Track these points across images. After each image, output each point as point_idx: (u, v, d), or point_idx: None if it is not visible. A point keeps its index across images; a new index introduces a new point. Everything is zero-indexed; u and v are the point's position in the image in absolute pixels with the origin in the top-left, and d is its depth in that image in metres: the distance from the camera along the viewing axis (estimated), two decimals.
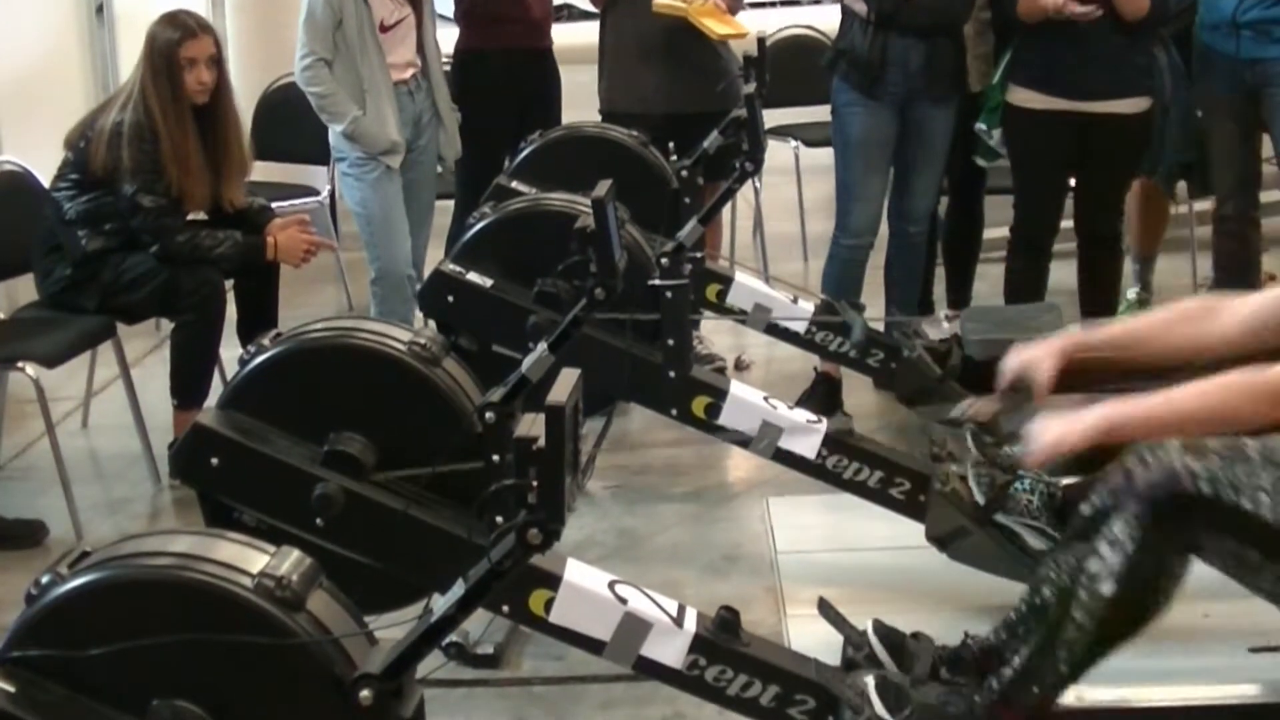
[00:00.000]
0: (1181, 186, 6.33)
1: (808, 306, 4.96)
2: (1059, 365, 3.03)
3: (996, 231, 5.74)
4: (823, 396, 5.27)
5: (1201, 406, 2.74)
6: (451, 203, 6.10)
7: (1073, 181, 5.46)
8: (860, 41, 5.20)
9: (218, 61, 4.96)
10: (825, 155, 5.87)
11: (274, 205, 5.41)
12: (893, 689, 2.89)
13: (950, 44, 5.25)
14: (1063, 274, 5.91)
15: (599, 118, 5.87)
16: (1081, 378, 3.06)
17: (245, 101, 5.48)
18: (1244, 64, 5.30)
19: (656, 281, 4.26)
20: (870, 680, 2.90)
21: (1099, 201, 5.39)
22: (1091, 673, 2.83)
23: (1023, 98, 5.25)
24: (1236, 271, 5.46)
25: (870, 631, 3.09)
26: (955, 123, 5.38)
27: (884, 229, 5.51)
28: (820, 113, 6.23)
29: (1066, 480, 3.53)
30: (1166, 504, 2.69)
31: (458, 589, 2.48)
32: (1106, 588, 2.73)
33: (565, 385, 2.39)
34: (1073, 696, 2.95)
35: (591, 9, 6.18)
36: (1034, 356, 3.06)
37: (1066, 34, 5.07)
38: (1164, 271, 6.40)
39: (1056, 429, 2.78)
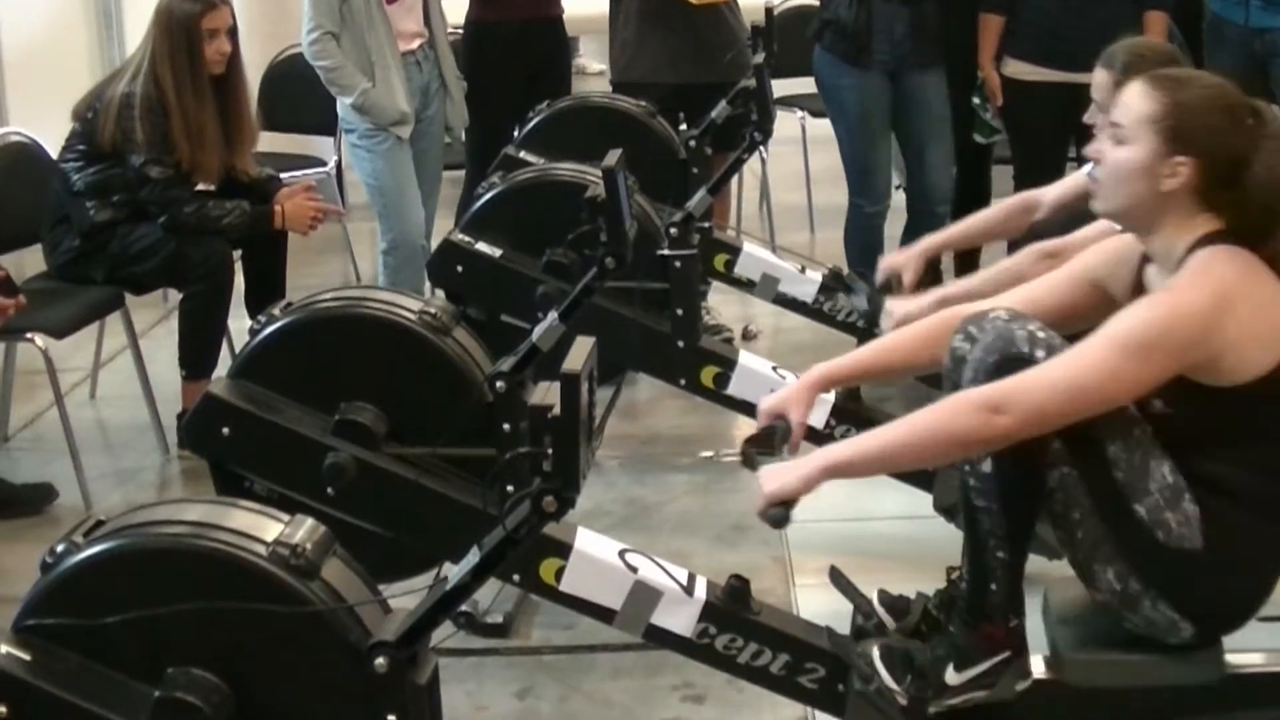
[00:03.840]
0: None
1: (815, 277, 4.96)
2: (810, 403, 3.01)
3: None
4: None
5: (921, 431, 2.71)
6: (461, 173, 6.10)
7: (1072, 152, 5.48)
8: (845, 11, 5.24)
9: (232, 31, 4.97)
10: (831, 126, 5.86)
11: (281, 176, 5.41)
12: (899, 657, 2.90)
13: (935, 9, 5.27)
14: None
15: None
16: None
17: (253, 73, 5.47)
18: (1253, 33, 5.29)
19: (665, 251, 4.27)
20: (875, 650, 2.91)
21: None
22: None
23: (1018, 70, 5.28)
24: None
25: (875, 601, 3.10)
26: (953, 91, 5.40)
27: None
28: None
29: None
30: (1004, 365, 2.72)
31: (472, 557, 2.48)
32: (986, 465, 2.76)
33: (580, 353, 2.39)
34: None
35: None
36: (785, 398, 3.01)
37: (1060, 5, 5.11)
38: None
39: (776, 478, 2.74)
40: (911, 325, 3.17)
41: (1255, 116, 2.77)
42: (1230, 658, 2.87)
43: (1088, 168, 3.07)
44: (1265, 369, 2.69)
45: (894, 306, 3.90)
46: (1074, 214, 3.83)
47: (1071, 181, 4.17)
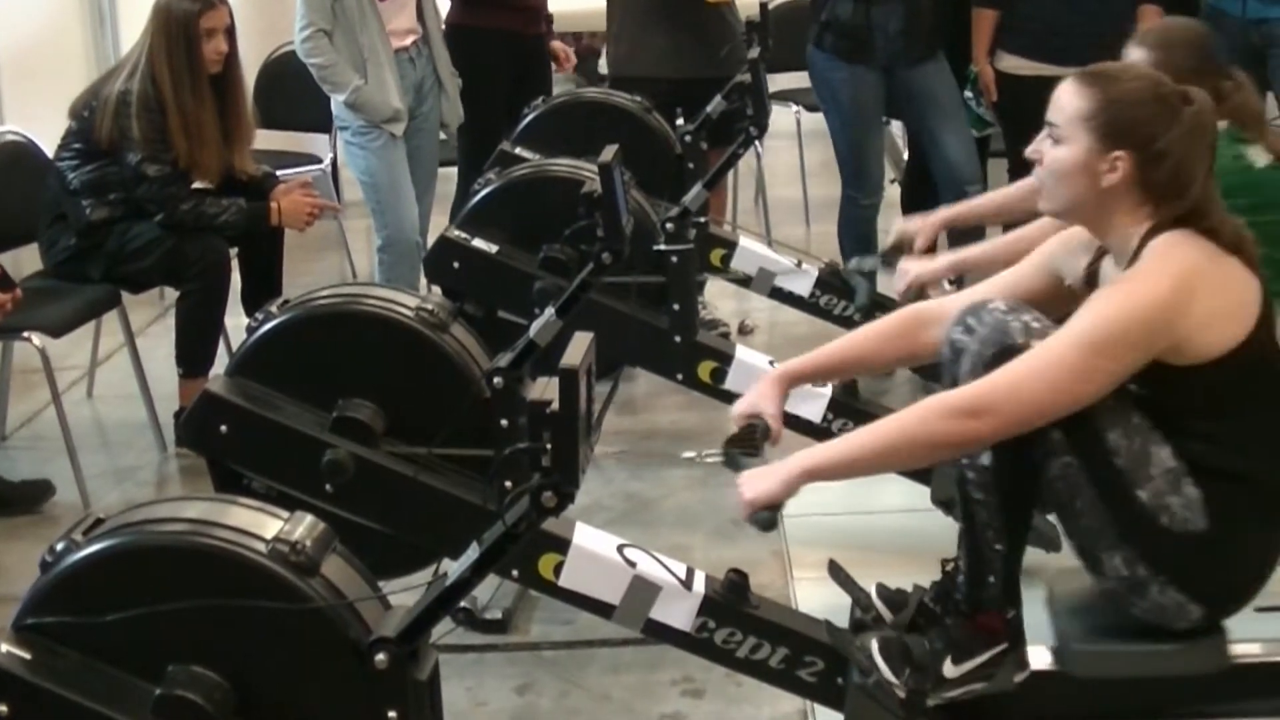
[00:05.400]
0: None
1: (811, 270, 4.97)
2: (781, 399, 3.04)
3: None
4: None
5: (898, 436, 2.72)
6: (454, 170, 6.10)
7: None
8: (844, 11, 5.26)
9: (230, 30, 4.97)
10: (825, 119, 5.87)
11: (277, 173, 5.41)
12: (897, 649, 2.90)
13: (930, 5, 5.29)
14: None
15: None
16: None
17: (247, 70, 5.47)
18: (1250, 24, 5.31)
19: (662, 246, 4.27)
20: (874, 643, 2.91)
21: None
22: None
23: (1012, 64, 5.30)
24: None
25: (874, 595, 3.10)
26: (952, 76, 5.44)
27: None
28: None
29: None
30: (1001, 356, 2.72)
31: (472, 553, 2.48)
32: (984, 459, 2.77)
33: (578, 348, 2.39)
34: None
35: None
36: (756, 398, 3.04)
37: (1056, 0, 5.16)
38: None
39: (757, 484, 2.78)
40: (879, 321, 3.20)
41: (1187, 103, 2.75)
42: (1233, 648, 2.87)
43: None
44: (1235, 341, 2.70)
45: (909, 266, 3.90)
46: None
47: None
